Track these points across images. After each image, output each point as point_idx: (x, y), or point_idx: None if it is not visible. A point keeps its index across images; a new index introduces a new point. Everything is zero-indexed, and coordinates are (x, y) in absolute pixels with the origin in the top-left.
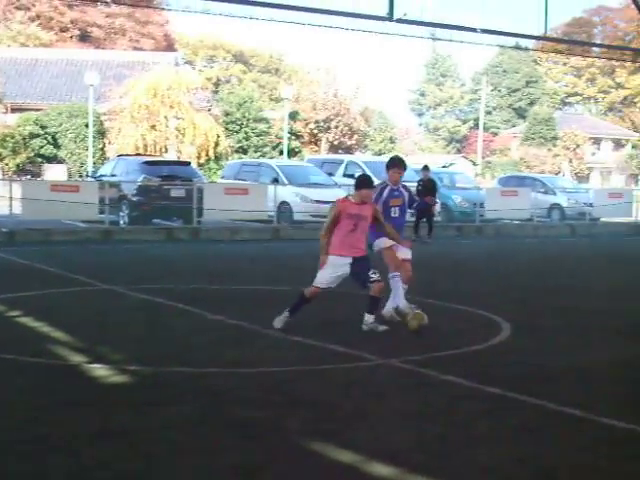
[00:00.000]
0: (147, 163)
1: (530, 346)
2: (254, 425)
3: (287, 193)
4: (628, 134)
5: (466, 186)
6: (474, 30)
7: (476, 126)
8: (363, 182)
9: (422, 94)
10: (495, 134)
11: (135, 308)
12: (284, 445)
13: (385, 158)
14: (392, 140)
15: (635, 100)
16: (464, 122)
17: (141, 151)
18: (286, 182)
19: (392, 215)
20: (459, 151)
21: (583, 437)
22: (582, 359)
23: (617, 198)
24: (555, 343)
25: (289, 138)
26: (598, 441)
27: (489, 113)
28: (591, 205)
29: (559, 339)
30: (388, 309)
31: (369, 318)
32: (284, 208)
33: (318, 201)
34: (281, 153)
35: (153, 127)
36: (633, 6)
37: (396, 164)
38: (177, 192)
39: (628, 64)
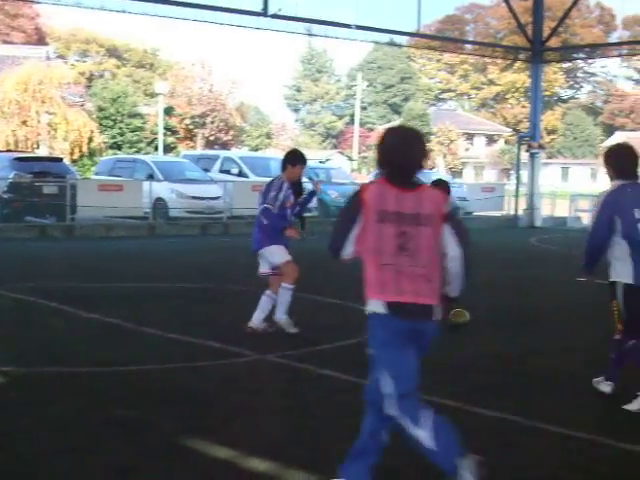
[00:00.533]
0: (18, 159)
1: None
2: (129, 424)
3: (162, 189)
4: (500, 129)
5: (342, 181)
6: (348, 26)
7: (352, 122)
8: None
9: (298, 90)
10: (371, 130)
11: (7, 308)
12: (160, 443)
13: (262, 154)
14: (268, 136)
15: (507, 96)
16: (340, 118)
17: (12, 147)
18: (161, 178)
19: (285, 216)
20: (335, 147)
21: (459, 427)
22: (457, 352)
23: (490, 192)
24: (437, 337)
25: (164, 134)
26: (471, 430)
27: (365, 109)
28: (465, 199)
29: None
30: (279, 318)
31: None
32: (159, 204)
33: (194, 197)
34: (156, 149)
35: (24, 123)
36: (504, 4)
37: (304, 160)
38: (49, 189)
39: (500, 61)
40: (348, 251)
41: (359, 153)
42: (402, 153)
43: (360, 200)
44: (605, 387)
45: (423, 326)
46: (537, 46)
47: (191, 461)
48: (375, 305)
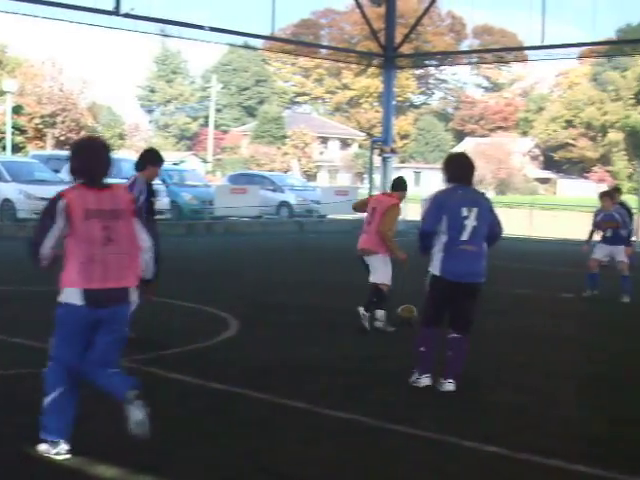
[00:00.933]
0: None
1: (257, 342)
2: None
3: (10, 190)
4: (354, 134)
5: (196, 184)
6: (202, 28)
7: (206, 124)
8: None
9: (152, 90)
10: (225, 132)
11: None
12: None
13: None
14: (121, 137)
15: (361, 101)
16: (194, 119)
17: None
18: (9, 179)
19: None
20: (190, 148)
21: (309, 429)
22: (306, 353)
23: (343, 196)
24: (281, 338)
25: (13, 133)
26: (321, 432)
27: (219, 111)
28: (318, 202)
29: (285, 334)
30: None
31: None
32: (7, 206)
33: (43, 198)
34: (4, 149)
35: None
36: (358, 10)
37: (163, 161)
38: None
39: (354, 66)
40: (47, 247)
41: (213, 155)
42: (95, 160)
43: (62, 202)
44: (425, 380)
45: (121, 306)
46: (389, 52)
47: (34, 470)
48: (72, 294)
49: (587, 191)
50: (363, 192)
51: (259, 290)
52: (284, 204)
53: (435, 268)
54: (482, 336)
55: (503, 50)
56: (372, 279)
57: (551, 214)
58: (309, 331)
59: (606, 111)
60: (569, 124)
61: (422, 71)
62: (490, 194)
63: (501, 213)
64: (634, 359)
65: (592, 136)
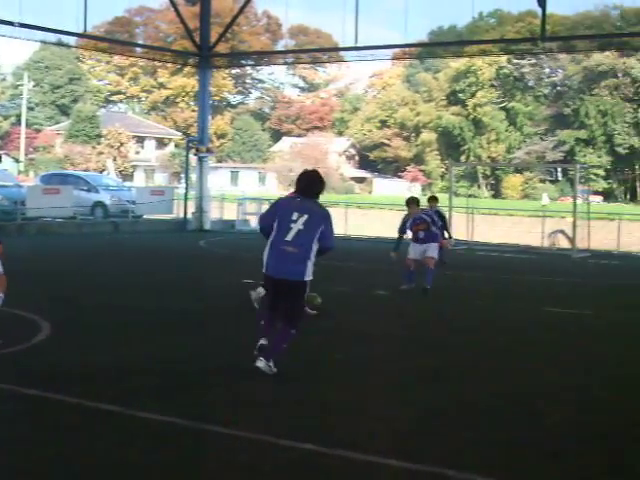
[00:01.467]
0: None
1: (70, 345)
2: None
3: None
4: (171, 133)
5: (6, 184)
6: (12, 24)
7: (18, 122)
8: None
9: None
10: (39, 131)
11: None
12: None
13: None
14: None
15: (177, 100)
16: (5, 118)
17: None
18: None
19: None
20: (1, 147)
21: (122, 432)
22: (121, 355)
23: (159, 195)
24: (95, 341)
25: None
26: (134, 435)
27: (32, 109)
28: (134, 202)
29: (99, 336)
30: None
31: None
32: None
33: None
34: None
35: None
36: (173, 8)
37: None
38: None
39: (169, 65)
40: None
41: (26, 155)
42: None
43: None
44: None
45: None
46: (204, 51)
47: None
48: None
49: (401, 190)
50: (179, 192)
51: (72, 292)
52: (99, 204)
53: (264, 265)
54: (301, 333)
55: (318, 51)
56: None
57: (363, 212)
58: (123, 332)
59: (419, 112)
60: (383, 124)
61: (239, 71)
62: None
63: None
64: (448, 349)
65: (406, 136)
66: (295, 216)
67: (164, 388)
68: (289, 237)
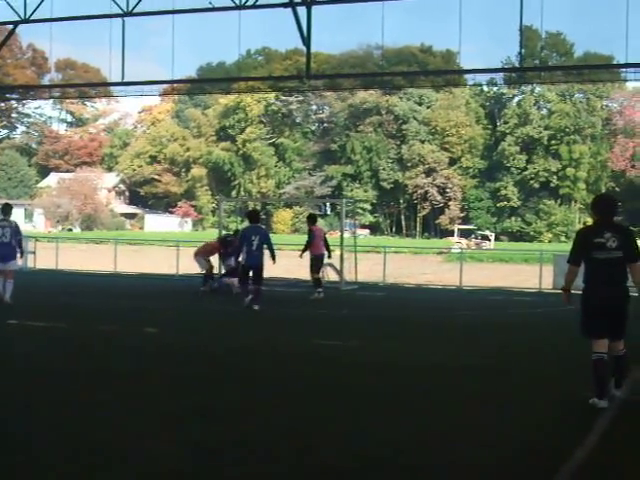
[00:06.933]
0: None
1: None
2: None
3: None
4: None
5: None
6: None
7: None
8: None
9: None
10: None
11: None
12: None
13: None
14: None
15: None
16: None
17: None
18: None
19: None
20: None
21: None
22: None
23: None
24: None
25: None
26: None
27: None
28: None
29: None
30: None
31: None
32: None
33: None
34: None
35: None
36: None
37: None
38: None
39: None
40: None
41: None
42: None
43: None
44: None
45: None
46: None
47: None
48: None
49: (173, 225)
50: None
51: None
52: None
53: (243, 260)
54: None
55: (86, 85)
56: None
57: (133, 249)
58: None
59: (189, 147)
60: (154, 159)
61: (3, 105)
62: (76, 230)
63: (86, 249)
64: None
65: (176, 171)
66: (253, 237)
67: None
68: (254, 247)
